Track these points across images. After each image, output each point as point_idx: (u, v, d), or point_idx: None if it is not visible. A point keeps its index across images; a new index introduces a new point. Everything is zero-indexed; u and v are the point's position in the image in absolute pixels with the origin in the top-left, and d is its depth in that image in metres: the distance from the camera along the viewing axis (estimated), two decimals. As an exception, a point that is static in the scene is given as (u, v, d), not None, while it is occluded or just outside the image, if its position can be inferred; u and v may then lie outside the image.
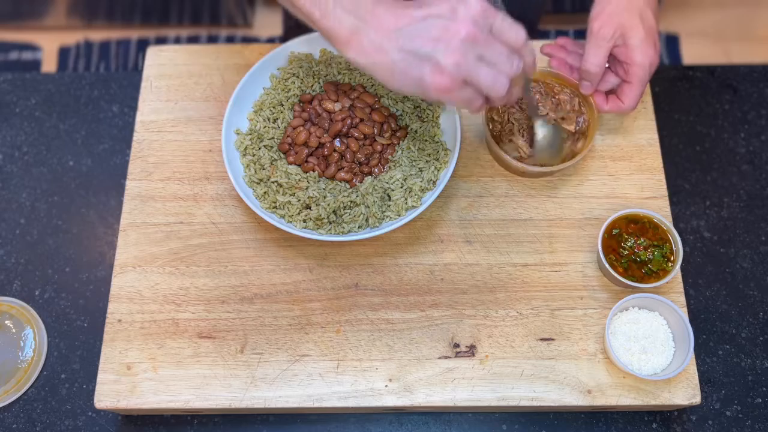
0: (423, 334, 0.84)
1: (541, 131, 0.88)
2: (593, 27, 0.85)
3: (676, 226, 0.94)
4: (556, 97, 0.90)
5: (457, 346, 0.83)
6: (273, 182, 0.87)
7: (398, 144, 0.90)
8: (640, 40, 0.83)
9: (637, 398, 0.80)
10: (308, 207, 0.86)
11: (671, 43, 1.96)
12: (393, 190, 0.86)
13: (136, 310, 0.85)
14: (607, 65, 0.88)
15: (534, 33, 1.26)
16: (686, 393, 0.81)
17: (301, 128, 0.90)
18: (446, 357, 0.83)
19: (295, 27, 1.21)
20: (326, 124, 0.89)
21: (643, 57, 0.83)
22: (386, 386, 0.81)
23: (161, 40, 2.01)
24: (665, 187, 0.92)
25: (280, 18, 2.03)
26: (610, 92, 0.89)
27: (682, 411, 0.85)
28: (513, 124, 0.90)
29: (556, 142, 0.88)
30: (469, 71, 0.67)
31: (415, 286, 0.86)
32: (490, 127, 0.90)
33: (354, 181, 0.88)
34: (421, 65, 0.67)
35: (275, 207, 0.86)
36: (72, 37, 2.01)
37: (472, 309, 0.85)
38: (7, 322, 0.89)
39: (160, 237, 0.89)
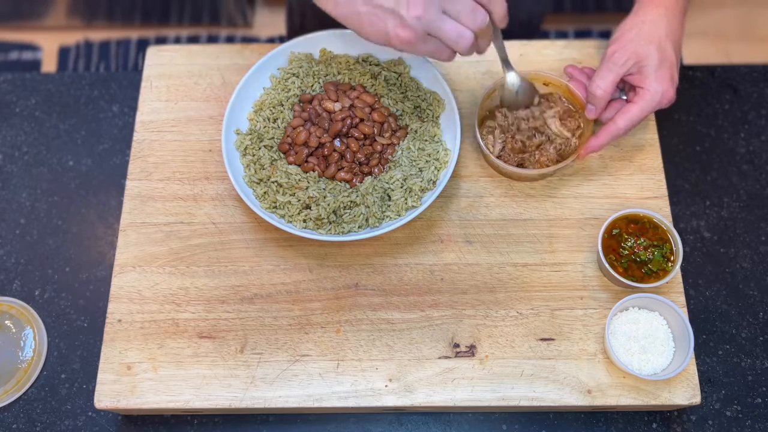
0: (423, 334, 0.84)
1: (513, 83, 0.88)
2: (608, 51, 0.85)
3: (676, 226, 0.94)
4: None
5: (457, 346, 0.83)
6: (273, 182, 0.87)
7: (398, 144, 0.90)
8: (655, 68, 0.82)
9: (637, 398, 0.80)
10: (308, 207, 0.86)
11: (671, 43, 1.96)
12: (393, 190, 0.86)
13: (136, 310, 0.85)
14: (625, 98, 0.88)
15: (537, 34, 1.26)
16: (686, 393, 0.81)
17: (301, 128, 0.90)
18: (446, 357, 0.83)
19: (298, 27, 1.21)
20: (326, 124, 0.89)
21: (656, 84, 0.82)
22: (386, 386, 0.81)
23: (161, 40, 2.01)
24: (665, 187, 0.92)
25: (280, 18, 2.04)
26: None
27: (682, 411, 0.85)
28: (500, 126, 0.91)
29: (528, 93, 0.89)
30: (431, 25, 0.68)
31: (415, 286, 0.86)
32: (483, 132, 0.90)
33: (354, 181, 0.88)
34: (386, 18, 0.69)
35: (275, 207, 0.86)
36: (72, 37, 2.01)
37: (472, 309, 0.85)
38: (7, 322, 0.89)
39: (160, 237, 0.89)
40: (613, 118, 0.85)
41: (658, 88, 0.83)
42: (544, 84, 0.92)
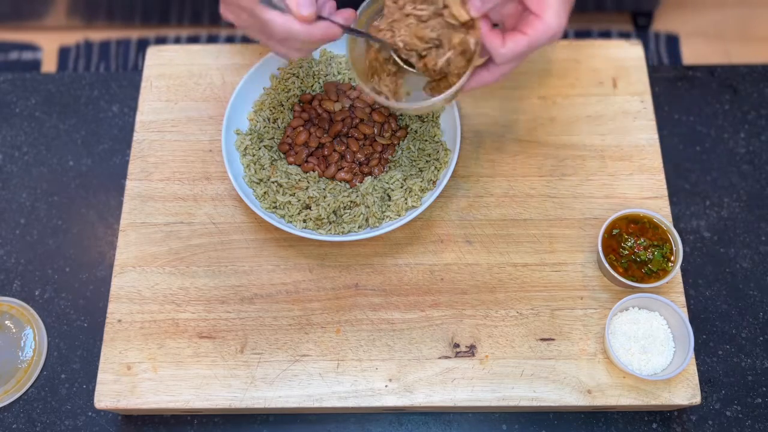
0: (423, 334, 0.84)
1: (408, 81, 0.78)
2: None
3: (676, 226, 0.94)
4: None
5: (457, 346, 0.83)
6: (273, 182, 0.87)
7: (398, 144, 0.90)
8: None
9: (637, 398, 0.80)
10: (308, 207, 0.86)
11: (671, 43, 1.96)
12: (393, 190, 0.86)
13: (136, 310, 0.85)
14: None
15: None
16: (686, 393, 0.81)
17: (301, 128, 0.90)
18: (446, 357, 0.83)
19: None
20: (326, 125, 0.89)
21: (554, 19, 0.69)
22: (386, 386, 0.81)
23: (161, 40, 2.01)
24: (665, 187, 0.92)
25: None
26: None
27: (682, 411, 0.85)
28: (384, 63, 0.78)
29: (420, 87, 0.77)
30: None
31: (415, 286, 0.86)
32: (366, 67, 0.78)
33: (354, 181, 0.88)
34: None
35: (275, 207, 0.86)
36: (72, 37, 2.01)
37: (472, 309, 0.85)
38: (7, 322, 0.89)
39: (160, 237, 0.89)
40: (501, 42, 0.70)
41: (553, 23, 0.69)
42: None
